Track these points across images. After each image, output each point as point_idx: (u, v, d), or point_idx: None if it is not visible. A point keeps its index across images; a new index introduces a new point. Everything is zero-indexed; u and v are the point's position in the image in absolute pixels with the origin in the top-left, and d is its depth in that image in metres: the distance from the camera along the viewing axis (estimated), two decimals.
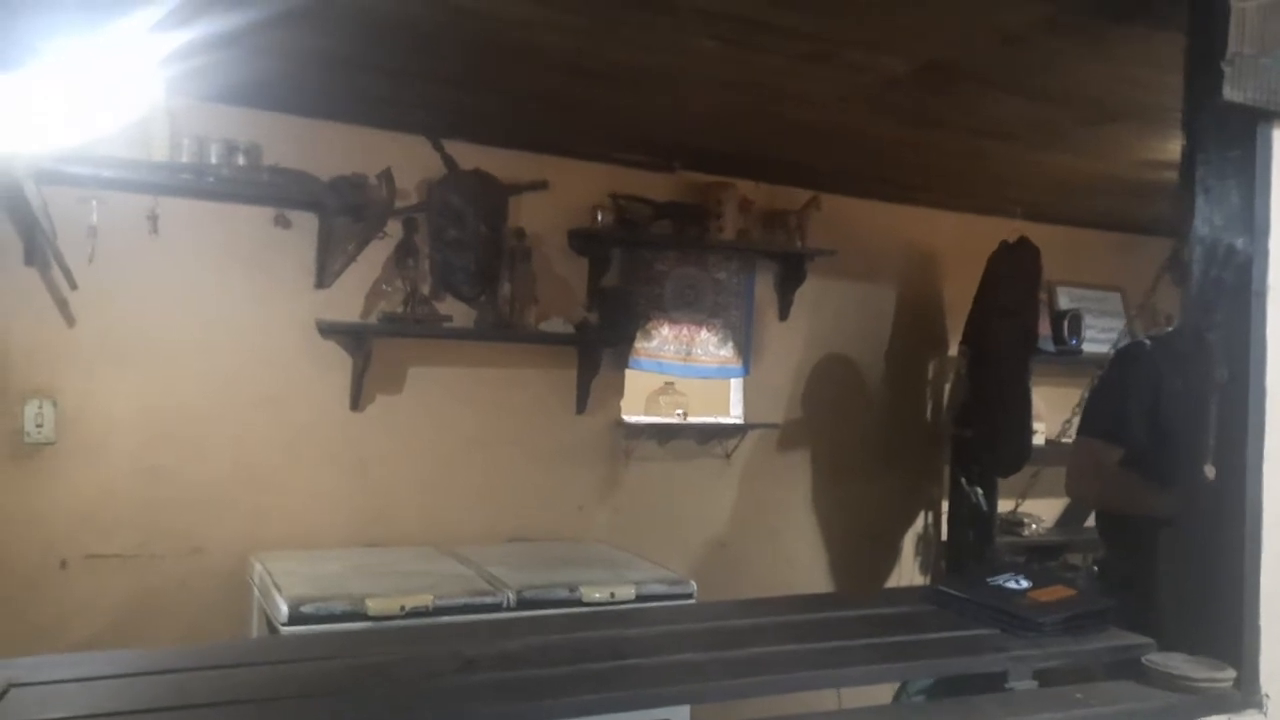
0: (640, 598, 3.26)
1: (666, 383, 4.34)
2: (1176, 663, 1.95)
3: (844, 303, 4.62)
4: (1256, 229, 1.97)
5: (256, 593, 3.26)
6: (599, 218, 3.98)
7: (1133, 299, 5.15)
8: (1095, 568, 3.50)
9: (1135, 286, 5.15)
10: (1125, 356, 3.03)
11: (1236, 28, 1.86)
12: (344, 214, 3.59)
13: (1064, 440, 4.90)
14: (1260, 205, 1.97)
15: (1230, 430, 1.99)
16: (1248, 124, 1.96)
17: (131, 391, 3.39)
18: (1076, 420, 4.85)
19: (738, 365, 4.38)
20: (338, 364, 3.67)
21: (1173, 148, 3.61)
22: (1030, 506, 4.87)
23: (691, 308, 4.24)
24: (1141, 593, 2.43)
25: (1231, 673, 1.93)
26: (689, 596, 3.34)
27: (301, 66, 3.08)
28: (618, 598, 3.23)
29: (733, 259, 4.31)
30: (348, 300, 3.69)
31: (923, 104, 3.19)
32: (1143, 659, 1.98)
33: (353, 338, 3.66)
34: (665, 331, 4.20)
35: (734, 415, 4.47)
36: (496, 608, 3.07)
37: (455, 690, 1.60)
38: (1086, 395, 2.95)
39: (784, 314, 4.49)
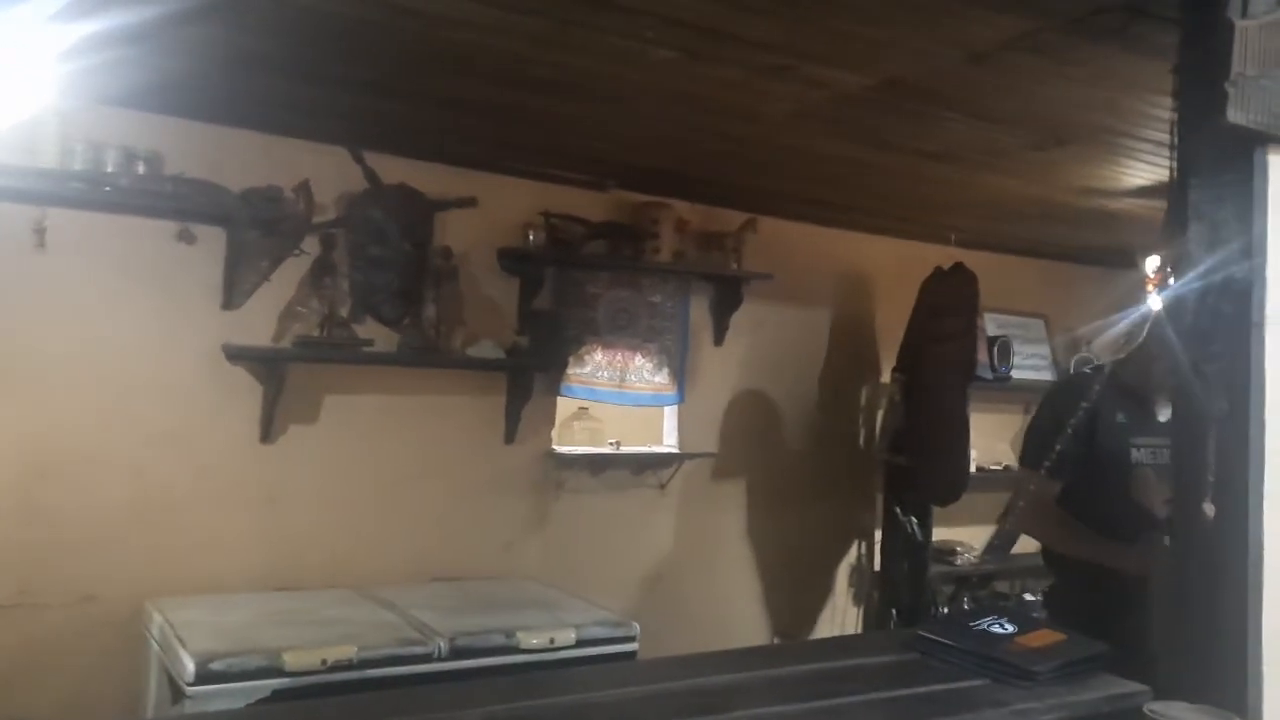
0: (581, 642, 3.06)
1: (580, 408, 4.14)
2: (1180, 712, 1.84)
3: (779, 327, 4.51)
4: (1255, 256, 1.89)
5: (155, 646, 2.93)
6: (530, 237, 3.79)
7: (1058, 326, 5.19)
8: (1041, 597, 3.44)
9: (1059, 314, 5.20)
10: (1067, 388, 2.97)
11: (1240, 47, 1.78)
12: (256, 229, 3.31)
13: (992, 467, 4.89)
14: (1259, 232, 1.89)
15: (1230, 465, 1.90)
16: (1245, 147, 1.88)
17: (11, 420, 3.04)
18: (1005, 446, 4.89)
19: (673, 392, 4.21)
20: (246, 392, 3.38)
21: (1109, 173, 3.64)
22: (959, 534, 4.83)
23: (626, 332, 4.07)
24: (1103, 626, 2.34)
25: None
26: (632, 640, 3.16)
27: (211, 68, 2.82)
28: (558, 643, 3.02)
29: (668, 281, 4.16)
30: (258, 323, 3.40)
31: (875, 123, 3.10)
32: (1145, 709, 1.87)
33: (264, 363, 3.37)
34: (599, 356, 4.02)
35: (668, 444, 4.30)
36: (427, 658, 2.83)
37: None
38: (1031, 426, 2.86)
39: (719, 339, 4.35)
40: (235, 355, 3.33)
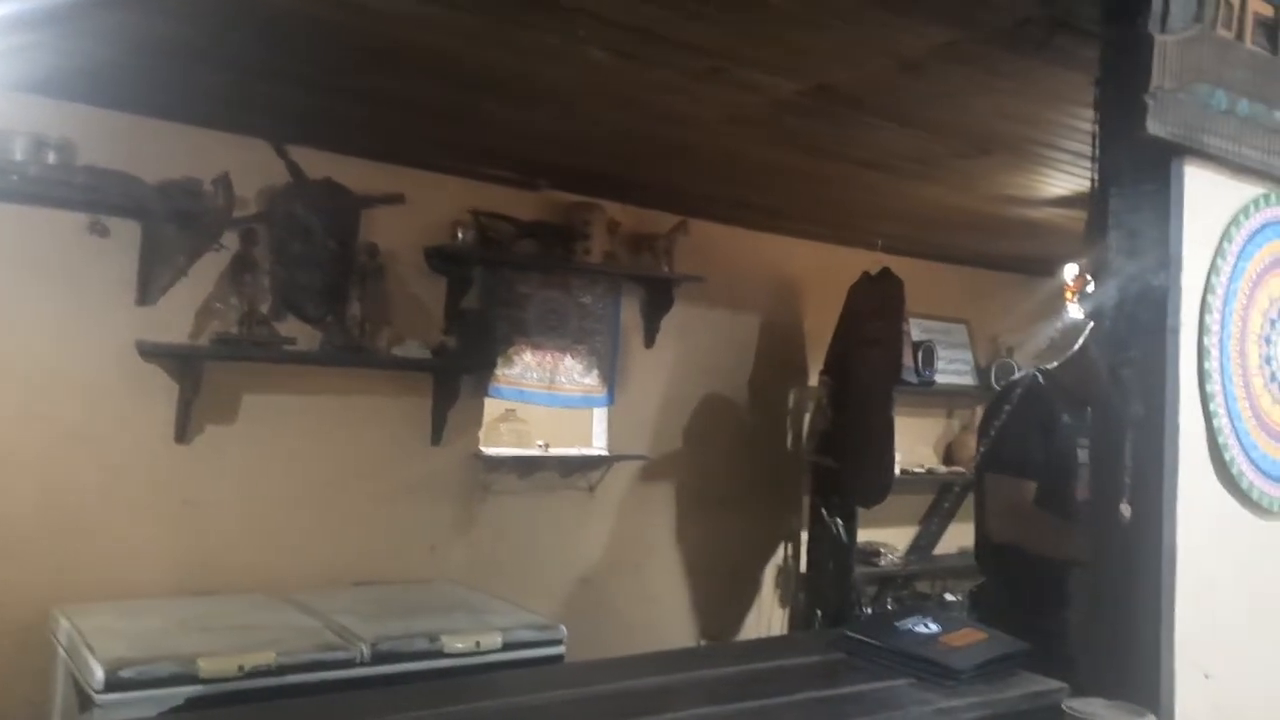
0: (507, 645, 3.01)
1: (508, 410, 4.09)
2: (1097, 709, 1.88)
3: (709, 330, 4.52)
4: (1170, 265, 1.94)
5: (62, 653, 2.81)
6: (459, 235, 3.73)
7: (980, 332, 5.30)
8: (966, 597, 3.49)
9: (979, 320, 5.31)
10: (1022, 391, 3.00)
11: (1159, 61, 1.83)
12: (173, 222, 3.20)
13: (915, 469, 4.97)
14: (1174, 240, 1.95)
15: (1145, 468, 1.95)
16: (1163, 158, 1.94)
17: None
18: (928, 449, 4.97)
19: (602, 394, 4.20)
20: (161, 391, 3.27)
21: (1030, 183, 3.72)
22: (882, 535, 4.90)
23: (555, 333, 4.03)
24: (1023, 627, 2.38)
25: (1151, 718, 1.88)
26: (559, 643, 3.12)
27: (128, 54, 2.71)
28: (483, 647, 2.97)
29: (599, 283, 4.14)
30: (175, 319, 3.29)
31: (807, 128, 3.12)
32: (1064, 705, 1.91)
33: (180, 361, 3.27)
34: (528, 358, 3.98)
35: (597, 446, 4.27)
36: (349, 664, 2.76)
37: None
38: (994, 429, 2.87)
39: (650, 341, 4.35)
40: (150, 353, 3.22)
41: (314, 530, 3.54)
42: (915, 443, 4.97)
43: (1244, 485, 2.04)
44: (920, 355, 4.82)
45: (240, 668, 2.59)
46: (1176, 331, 1.95)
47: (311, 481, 3.55)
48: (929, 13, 2.24)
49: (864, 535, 4.70)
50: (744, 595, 4.70)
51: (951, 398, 5.17)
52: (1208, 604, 1.99)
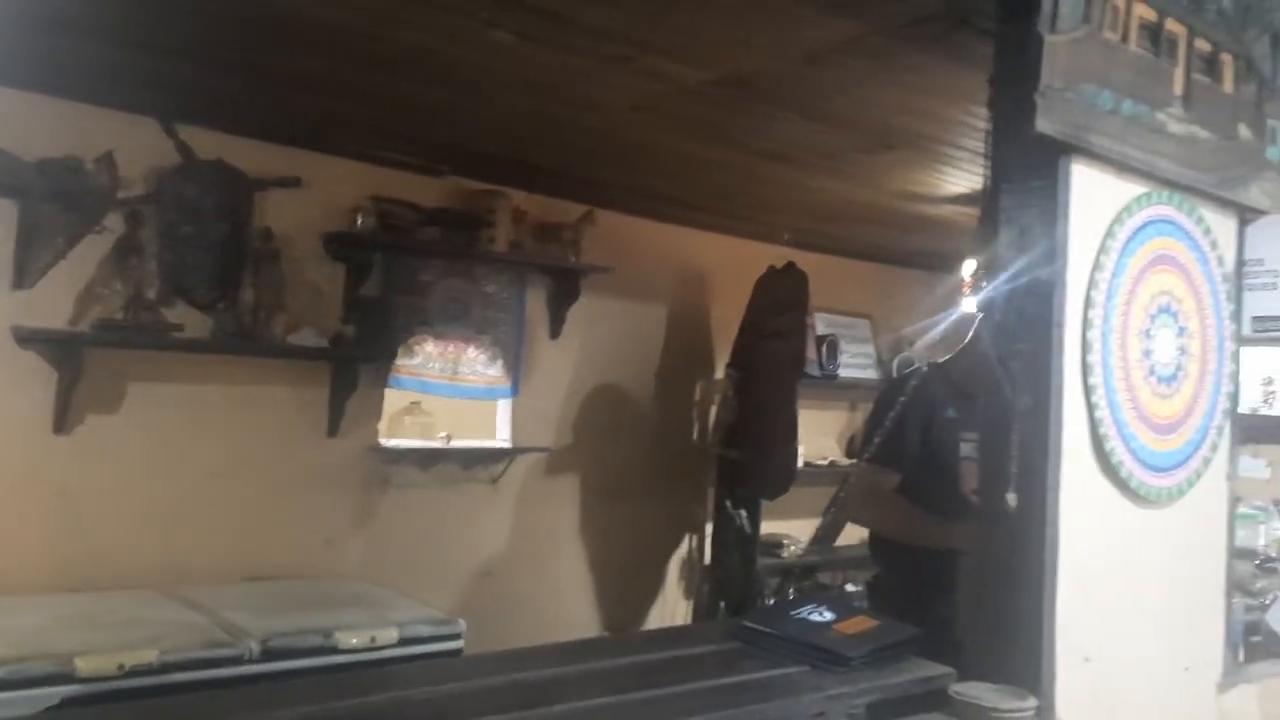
0: (404, 640, 2.96)
1: (413, 402, 4.02)
2: (982, 693, 1.93)
3: (616, 322, 4.50)
4: (1056, 261, 1.99)
5: None
6: (359, 221, 3.64)
7: (882, 326, 5.40)
8: (865, 586, 3.56)
9: (883, 314, 5.41)
10: (901, 384, 3.07)
11: (1049, 61, 1.87)
12: (52, 202, 3.06)
13: (819, 461, 5.04)
14: (1061, 237, 2.00)
15: (1030, 457, 2.00)
16: (1051, 156, 1.98)
17: None
18: (829, 441, 5.04)
19: (506, 385, 4.15)
20: (39, 379, 3.12)
21: (931, 179, 3.80)
22: (785, 527, 4.95)
23: (458, 322, 3.97)
24: (917, 614, 2.43)
25: (1034, 701, 1.93)
26: (457, 637, 3.08)
27: (6, 26, 2.56)
28: (379, 642, 2.91)
29: (504, 272, 4.09)
30: (54, 304, 3.15)
31: (714, 118, 3.14)
32: (950, 690, 1.95)
33: (59, 347, 3.13)
34: (430, 348, 3.91)
35: (501, 438, 4.22)
36: (237, 661, 2.68)
37: None
38: (872, 421, 2.95)
39: (555, 332, 4.31)
40: (26, 338, 3.07)
41: (204, 524, 3.42)
42: (818, 435, 5.04)
43: (1123, 474, 2.10)
44: (824, 349, 4.89)
45: (120, 666, 2.50)
46: (1061, 326, 2.00)
47: (201, 473, 3.43)
48: (833, 5, 2.26)
49: (768, 527, 4.74)
50: (648, 587, 4.71)
51: (854, 391, 5.25)
52: (1088, 590, 2.05)
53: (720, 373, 4.75)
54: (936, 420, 2.83)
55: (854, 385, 5.13)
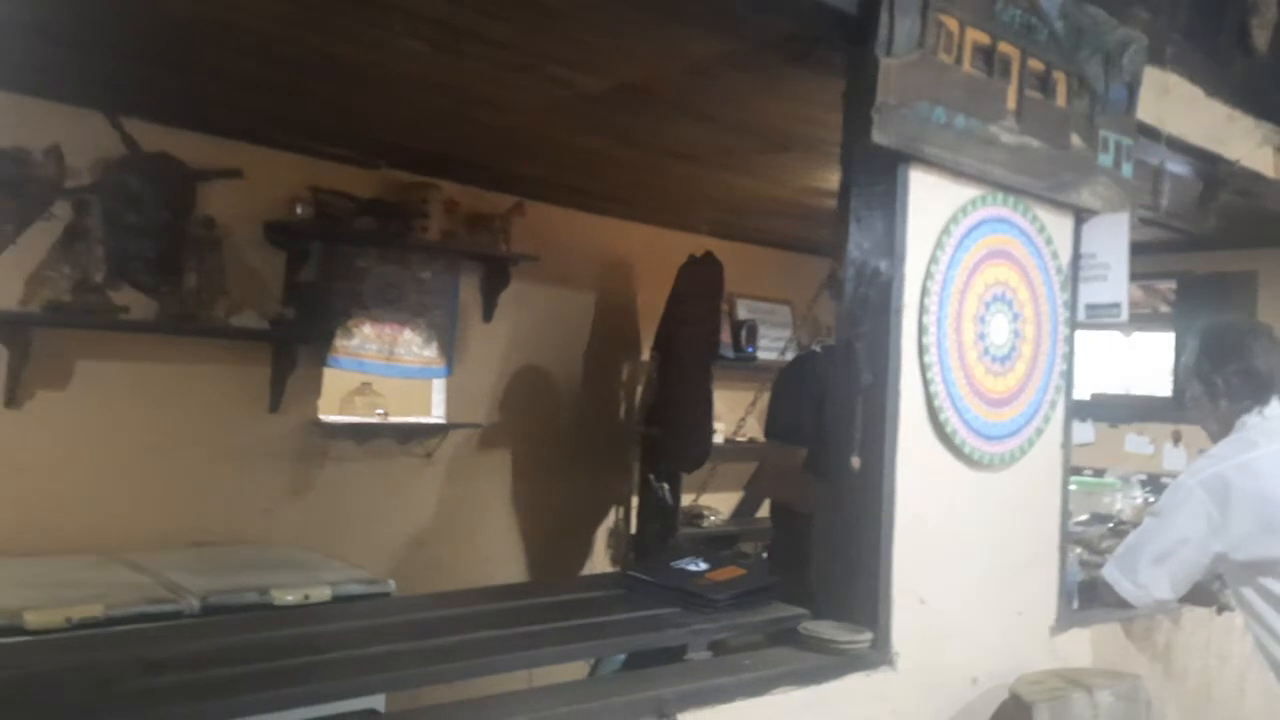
0: (337, 599, 3.19)
1: (364, 383, 4.27)
2: (825, 629, 2.23)
3: (546, 307, 4.76)
4: (896, 254, 2.29)
5: None
6: (298, 210, 3.87)
7: (799, 311, 5.70)
8: (765, 552, 3.87)
9: (801, 300, 5.71)
10: (798, 364, 3.36)
11: (883, 81, 2.16)
12: (1, 191, 3.25)
13: (738, 439, 5.34)
14: (899, 234, 2.29)
15: (871, 426, 2.29)
16: (890, 163, 2.28)
17: None
18: (751, 420, 5.34)
19: (441, 365, 4.40)
20: None
21: (832, 177, 4.07)
22: (708, 500, 5.26)
23: (394, 306, 4.21)
24: (799, 570, 2.73)
25: (869, 635, 2.23)
26: (386, 595, 3.32)
27: None
28: (312, 599, 3.13)
29: (438, 259, 4.33)
30: (4, 287, 3.34)
31: (619, 121, 3.39)
32: (798, 627, 2.25)
33: (8, 327, 3.33)
34: (367, 330, 4.15)
35: (436, 415, 4.48)
36: (178, 615, 2.89)
37: (141, 694, 1.54)
38: (772, 399, 3.24)
39: (488, 316, 4.57)
40: None
41: (148, 494, 3.64)
42: (738, 414, 5.34)
43: (957, 441, 2.40)
44: (744, 333, 5.20)
45: (67, 620, 2.70)
46: (900, 311, 2.29)
47: (146, 446, 3.64)
48: (705, 24, 2.53)
49: (691, 500, 5.05)
50: (577, 556, 4.99)
51: (771, 373, 5.54)
52: (924, 541, 2.36)
53: (645, 355, 5.03)
54: (828, 396, 3.12)
55: (771, 367, 5.42)
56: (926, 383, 2.34)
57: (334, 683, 1.67)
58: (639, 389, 5.10)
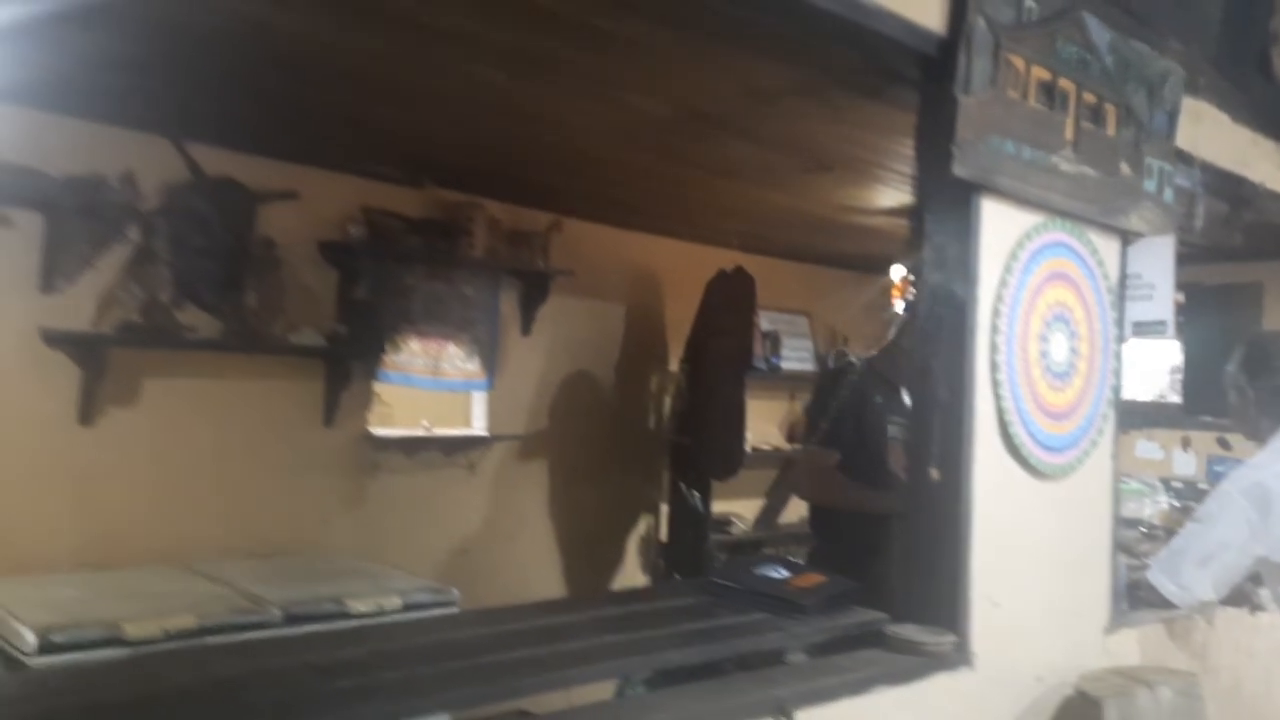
0: (407, 607, 3.31)
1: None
2: (910, 632, 2.37)
3: (581, 320, 4.89)
4: (970, 278, 2.44)
5: None
6: (351, 230, 3.97)
7: (819, 322, 5.86)
8: (806, 557, 4.01)
9: (819, 310, 5.87)
10: (838, 375, 3.50)
11: (963, 118, 2.31)
12: (78, 215, 3.34)
13: (763, 446, 5.49)
14: (973, 258, 2.44)
15: (949, 440, 2.44)
16: (965, 193, 2.42)
17: None
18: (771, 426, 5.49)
19: (483, 379, 4.52)
20: (65, 376, 3.41)
21: (865, 194, 4.26)
22: (735, 506, 5.40)
23: (439, 322, 4.33)
24: (855, 574, 2.87)
25: (951, 637, 2.37)
26: (453, 604, 3.43)
27: (40, 57, 2.84)
28: (386, 608, 3.26)
29: (480, 275, 4.45)
30: (78, 307, 3.44)
31: (673, 142, 3.52)
32: (885, 629, 2.38)
33: (83, 347, 3.42)
34: (414, 345, 4.26)
35: (477, 427, 4.60)
36: (264, 625, 3.00)
37: (333, 695, 1.65)
38: (814, 409, 3.40)
39: (526, 329, 4.69)
40: (54, 339, 3.36)
41: (211, 507, 3.74)
42: (763, 422, 5.49)
43: (1024, 453, 2.55)
44: (769, 344, 5.35)
45: (164, 630, 2.81)
46: (974, 331, 2.44)
47: (209, 461, 3.74)
48: (777, 55, 2.67)
49: (718, 506, 5.19)
50: (610, 562, 5.12)
51: (794, 382, 5.71)
52: (996, 548, 2.50)
53: (674, 366, 5.17)
54: (868, 407, 3.28)
55: (794, 377, 5.59)
56: (998, 398, 2.48)
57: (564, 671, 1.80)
58: (667, 399, 5.23)
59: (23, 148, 3.24)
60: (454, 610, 3.41)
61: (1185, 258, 5.05)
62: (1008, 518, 2.54)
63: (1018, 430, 2.53)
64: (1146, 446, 5.22)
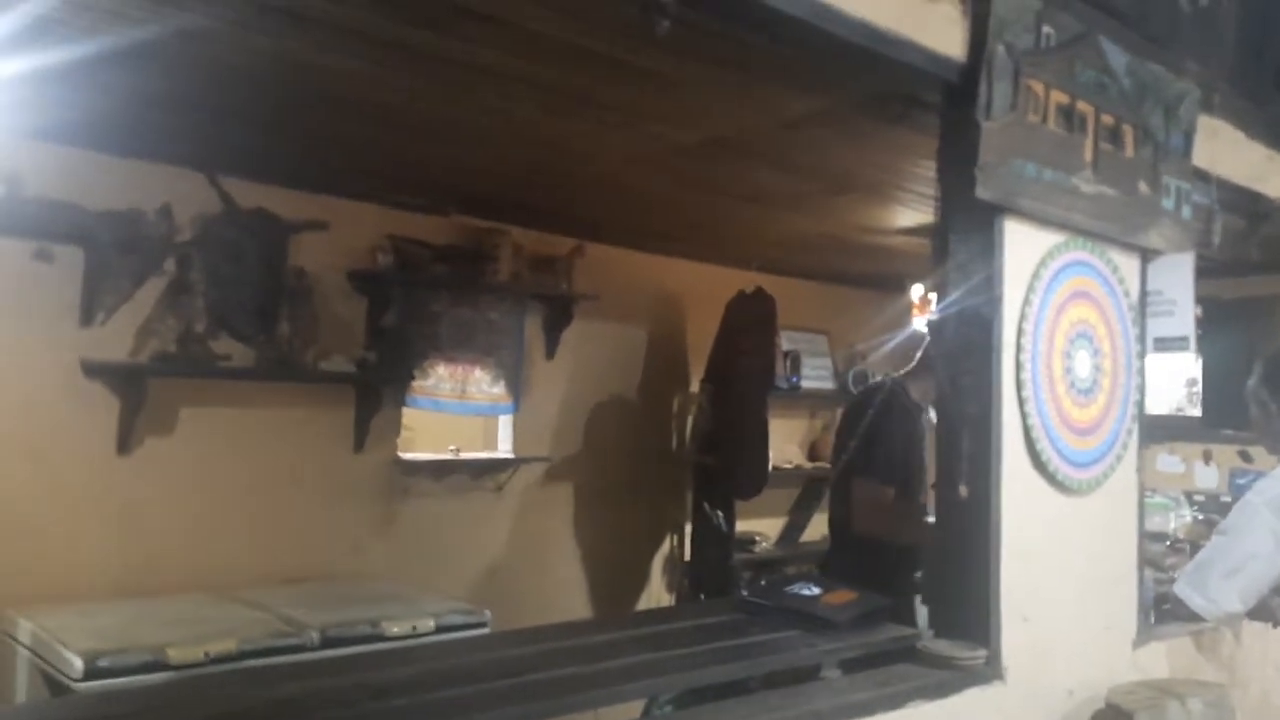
0: (440, 628, 3.36)
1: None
2: (943, 646, 2.41)
3: (604, 343, 4.95)
4: (995, 297, 2.49)
5: (26, 652, 3.02)
6: (379, 259, 4.05)
7: (838, 341, 5.90)
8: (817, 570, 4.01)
9: (838, 331, 5.92)
10: (885, 399, 3.39)
11: (985, 142, 2.37)
12: (117, 249, 3.43)
13: (784, 465, 5.52)
14: (997, 278, 2.49)
15: (977, 457, 2.48)
16: (988, 215, 2.47)
17: None
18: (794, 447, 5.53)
19: (509, 402, 4.58)
20: (104, 406, 3.49)
21: (884, 215, 4.32)
22: (758, 525, 5.44)
23: (465, 347, 4.39)
24: (878, 588, 2.89)
25: (984, 652, 2.41)
26: (484, 625, 3.49)
27: (76, 95, 2.92)
28: (419, 630, 3.31)
29: (505, 300, 4.52)
30: (116, 339, 3.51)
31: (698, 169, 3.59)
32: (918, 645, 2.42)
33: (121, 378, 3.49)
34: (441, 370, 4.32)
35: (504, 450, 4.66)
36: (302, 648, 3.06)
37: (389, 713, 1.70)
38: (859, 434, 3.35)
39: (551, 353, 4.75)
40: (94, 370, 3.44)
41: (247, 534, 3.80)
42: (784, 441, 5.52)
43: (1051, 469, 2.59)
44: (789, 363, 5.40)
45: (206, 654, 2.87)
46: (1000, 349, 2.49)
47: (244, 488, 3.80)
48: (804, 84, 2.74)
49: (741, 525, 5.22)
50: (635, 581, 5.16)
51: (814, 401, 5.76)
52: (1025, 563, 2.54)
53: (695, 387, 5.22)
54: (915, 432, 3.30)
55: (814, 396, 5.63)
56: (1024, 415, 2.53)
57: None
58: (690, 419, 5.28)
59: (63, 184, 3.33)
60: (486, 631, 3.46)
61: (1203, 272, 5.08)
62: (1036, 533, 2.58)
63: (1044, 446, 2.58)
64: (1168, 460, 5.22)
